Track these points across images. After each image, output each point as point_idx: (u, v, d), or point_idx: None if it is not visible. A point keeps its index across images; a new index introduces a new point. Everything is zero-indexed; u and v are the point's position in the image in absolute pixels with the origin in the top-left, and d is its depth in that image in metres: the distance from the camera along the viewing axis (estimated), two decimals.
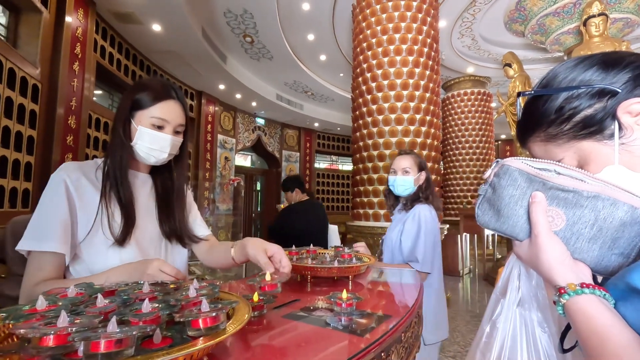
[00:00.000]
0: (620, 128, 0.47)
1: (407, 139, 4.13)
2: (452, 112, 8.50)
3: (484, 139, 8.30)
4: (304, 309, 0.79)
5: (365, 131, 4.34)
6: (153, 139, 0.91)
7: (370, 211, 4.17)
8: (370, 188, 4.14)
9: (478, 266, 6.72)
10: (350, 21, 5.31)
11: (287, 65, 7.61)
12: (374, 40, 4.30)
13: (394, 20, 4.21)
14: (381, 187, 4.16)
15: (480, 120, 8.30)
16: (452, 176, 8.45)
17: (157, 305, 0.51)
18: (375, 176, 4.22)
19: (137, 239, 0.91)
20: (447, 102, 8.61)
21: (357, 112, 4.49)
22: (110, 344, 0.39)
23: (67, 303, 0.52)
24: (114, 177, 0.90)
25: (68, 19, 4.11)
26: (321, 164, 12.02)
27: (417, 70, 4.18)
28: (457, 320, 3.80)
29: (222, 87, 7.75)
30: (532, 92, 0.54)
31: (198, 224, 1.13)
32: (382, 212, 4.11)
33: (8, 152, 3.31)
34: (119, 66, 5.48)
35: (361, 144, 4.39)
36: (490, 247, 7.41)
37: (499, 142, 13.04)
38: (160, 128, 0.92)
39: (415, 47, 4.19)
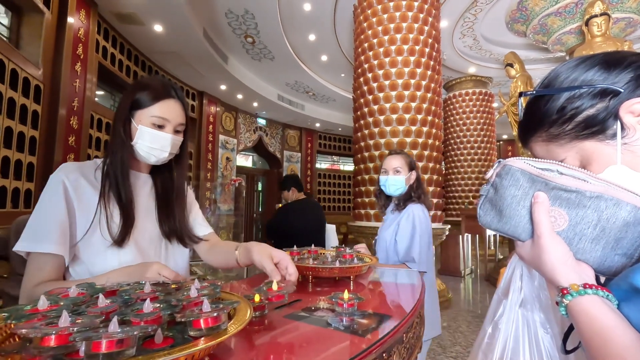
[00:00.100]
0: (622, 128, 0.47)
1: (408, 139, 4.13)
2: (454, 112, 8.49)
3: (485, 139, 8.29)
4: (306, 309, 0.79)
5: (366, 131, 4.34)
6: (154, 138, 0.91)
7: (372, 211, 4.16)
8: (372, 188, 4.14)
9: (480, 267, 6.70)
10: (351, 21, 5.32)
11: (289, 66, 7.62)
12: (375, 41, 4.30)
13: (395, 20, 4.21)
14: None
15: (481, 121, 8.28)
16: (453, 176, 8.44)
17: (158, 305, 0.51)
18: (376, 176, 4.19)
19: (136, 239, 0.91)
20: (449, 102, 8.60)
21: (359, 113, 4.49)
22: (112, 344, 0.39)
23: (68, 303, 0.52)
24: (114, 177, 0.89)
25: (70, 19, 4.12)
26: (322, 164, 12.02)
27: (418, 70, 4.17)
28: (458, 320, 3.79)
29: (223, 87, 7.76)
30: (534, 92, 0.54)
31: (199, 223, 1.12)
32: None
33: (10, 153, 3.32)
34: (120, 67, 5.49)
35: (362, 144, 4.39)
36: (492, 248, 7.39)
37: (501, 142, 13.02)
38: (160, 127, 0.92)
39: (417, 47, 4.19)
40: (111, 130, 0.93)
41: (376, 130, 4.24)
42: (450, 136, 8.50)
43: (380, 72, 4.23)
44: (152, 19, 5.05)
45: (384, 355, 0.63)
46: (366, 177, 4.29)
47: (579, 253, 0.47)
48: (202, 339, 0.45)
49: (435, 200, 4.27)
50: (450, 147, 8.49)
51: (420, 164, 4.15)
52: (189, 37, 5.53)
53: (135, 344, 0.41)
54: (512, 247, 0.64)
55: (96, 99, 4.93)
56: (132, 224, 0.89)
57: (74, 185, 0.85)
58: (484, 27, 6.31)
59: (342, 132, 11.82)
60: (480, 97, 8.35)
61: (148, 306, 0.49)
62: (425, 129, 4.18)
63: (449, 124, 8.53)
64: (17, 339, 0.49)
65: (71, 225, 0.82)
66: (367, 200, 4.23)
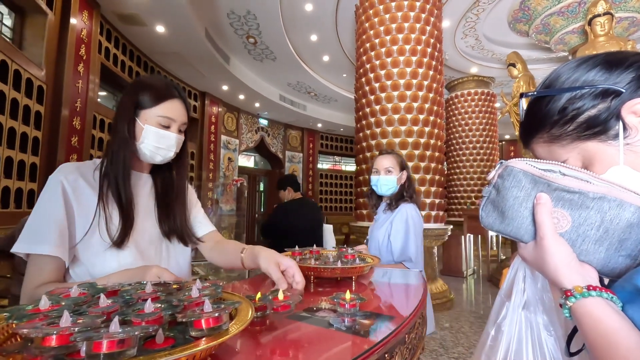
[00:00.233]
0: (624, 128, 0.47)
1: (410, 139, 4.12)
2: (456, 112, 8.47)
3: (487, 139, 8.27)
4: (307, 309, 0.79)
5: (368, 131, 4.33)
6: (160, 138, 0.91)
7: None
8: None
9: (482, 267, 6.68)
10: (353, 22, 5.31)
11: (290, 66, 7.63)
12: (377, 41, 4.29)
13: (397, 20, 4.20)
14: None
15: (484, 121, 8.26)
16: (455, 177, 8.42)
17: (159, 305, 0.51)
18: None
19: (136, 240, 0.90)
20: (451, 102, 8.58)
21: (361, 113, 4.49)
22: (113, 344, 0.39)
23: (69, 303, 0.51)
24: (114, 177, 0.88)
25: (73, 20, 4.14)
26: (324, 164, 12.02)
27: (420, 70, 4.17)
28: (461, 321, 3.78)
29: (225, 88, 7.78)
30: (535, 92, 0.54)
31: (200, 222, 1.11)
32: None
33: (13, 153, 3.34)
34: (123, 67, 5.51)
35: (364, 144, 4.39)
36: (495, 248, 7.37)
37: (503, 142, 12.98)
38: (166, 127, 0.92)
39: (419, 47, 4.18)
40: (112, 129, 0.92)
41: (378, 130, 4.23)
42: (452, 136, 8.48)
43: (382, 72, 4.23)
44: (154, 19, 5.06)
45: (386, 356, 0.62)
46: (368, 177, 4.29)
47: (582, 254, 0.47)
48: (204, 339, 0.45)
49: (437, 201, 4.26)
50: (452, 148, 8.47)
51: (422, 164, 4.14)
52: (191, 37, 5.54)
53: (136, 344, 0.41)
54: (515, 247, 0.64)
55: (98, 99, 4.95)
56: (132, 226, 0.88)
57: (72, 186, 0.84)
58: (486, 27, 6.29)
59: (344, 132, 11.82)
60: (483, 97, 8.33)
61: (149, 306, 0.48)
62: (427, 129, 4.18)
63: (451, 124, 8.51)
64: (18, 339, 0.49)
65: (70, 227, 0.82)
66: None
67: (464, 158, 8.31)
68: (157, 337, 0.45)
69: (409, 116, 4.13)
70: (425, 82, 4.18)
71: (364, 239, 1.98)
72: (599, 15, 4.59)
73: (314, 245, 1.38)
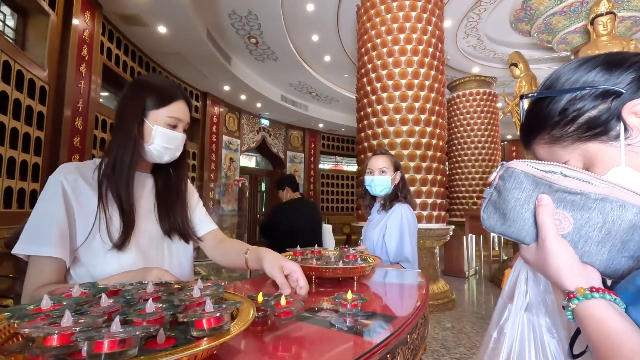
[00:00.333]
0: (625, 129, 0.46)
1: (412, 140, 4.12)
2: (458, 112, 8.45)
3: (489, 139, 8.25)
4: (309, 309, 0.79)
5: (370, 132, 4.33)
6: (169, 138, 0.92)
7: None
8: None
9: (484, 267, 6.67)
10: (354, 22, 5.31)
11: (292, 66, 7.63)
12: (378, 41, 4.29)
13: (398, 20, 4.20)
14: None
15: (485, 121, 8.25)
16: (457, 177, 8.40)
17: (160, 305, 0.51)
18: None
19: (137, 241, 0.89)
20: (453, 102, 8.57)
21: (362, 113, 4.48)
22: (114, 344, 0.39)
23: (71, 303, 0.51)
24: (119, 179, 0.87)
25: (75, 21, 4.15)
26: (326, 164, 12.02)
27: (422, 70, 4.16)
28: (462, 321, 3.77)
29: (227, 88, 7.79)
30: (535, 94, 0.54)
31: (202, 220, 1.11)
32: None
33: (16, 153, 3.35)
34: (125, 68, 5.52)
35: (366, 144, 4.38)
36: (497, 249, 7.35)
37: (505, 142, 12.95)
38: (173, 127, 0.93)
39: (420, 47, 4.18)
40: (117, 130, 0.91)
41: (379, 130, 4.23)
42: (454, 136, 8.46)
43: (384, 72, 4.23)
44: (156, 20, 5.08)
45: (388, 356, 0.62)
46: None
47: (584, 256, 0.47)
48: (205, 339, 0.45)
49: (438, 201, 4.25)
50: (454, 148, 8.45)
51: (423, 164, 4.13)
52: (192, 38, 5.55)
53: (137, 344, 0.41)
54: (517, 248, 0.64)
55: (100, 100, 4.97)
56: (132, 228, 0.88)
57: (72, 186, 0.84)
58: (488, 27, 6.28)
59: (346, 132, 11.82)
60: (484, 97, 8.31)
61: (150, 306, 0.48)
62: (428, 129, 4.17)
63: (453, 124, 8.50)
64: (20, 339, 0.49)
65: (70, 227, 0.81)
66: None
67: (466, 158, 8.29)
68: (158, 337, 0.45)
69: (410, 116, 4.12)
70: (427, 82, 4.17)
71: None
72: (601, 15, 4.57)
73: (314, 245, 1.38)
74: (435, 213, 4.19)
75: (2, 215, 3.20)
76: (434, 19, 4.30)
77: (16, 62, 3.32)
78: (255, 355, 0.57)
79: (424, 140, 4.14)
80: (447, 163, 7.19)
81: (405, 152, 4.11)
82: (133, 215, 0.89)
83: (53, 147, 3.90)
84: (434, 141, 4.21)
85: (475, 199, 7.96)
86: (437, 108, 4.25)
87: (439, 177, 4.25)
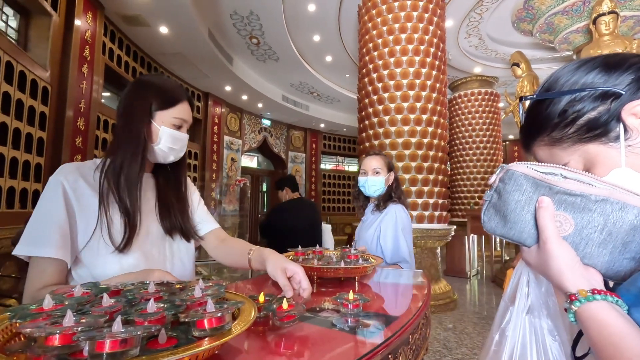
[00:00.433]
0: (625, 130, 0.46)
1: (413, 139, 4.11)
2: (459, 112, 8.44)
3: (491, 139, 8.23)
4: (310, 310, 0.78)
5: (371, 132, 4.33)
6: (175, 139, 0.93)
7: None
8: None
9: (486, 268, 6.65)
10: (356, 22, 5.31)
11: (293, 67, 7.63)
12: (380, 41, 4.29)
13: (400, 20, 4.20)
14: None
15: (487, 121, 8.23)
16: (459, 177, 8.39)
17: (162, 305, 0.51)
18: None
19: (139, 242, 0.89)
20: (454, 102, 8.55)
21: (363, 113, 4.48)
22: (115, 344, 0.39)
23: (73, 302, 0.52)
24: (127, 180, 0.87)
25: (77, 22, 4.17)
26: (327, 165, 12.02)
27: (423, 70, 4.15)
28: (464, 322, 3.76)
29: (228, 88, 7.80)
30: (534, 96, 0.54)
31: (204, 219, 1.11)
32: None
33: (19, 154, 3.36)
34: (126, 68, 5.54)
35: (367, 144, 4.38)
36: (498, 249, 7.33)
37: (507, 142, 12.92)
38: (179, 128, 0.94)
39: (422, 47, 4.17)
40: (123, 130, 0.89)
41: (381, 130, 4.23)
42: (455, 136, 8.45)
43: (385, 72, 4.22)
44: (158, 20, 5.09)
45: (390, 356, 0.62)
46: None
47: (586, 258, 0.46)
48: (206, 339, 0.45)
49: (440, 201, 4.24)
50: (455, 148, 8.44)
51: (425, 164, 4.13)
52: (194, 38, 5.56)
53: (138, 344, 0.41)
54: (519, 248, 0.64)
55: (102, 100, 4.98)
56: (135, 231, 0.87)
57: (73, 187, 0.83)
58: (489, 27, 6.27)
59: (347, 132, 11.81)
60: (486, 97, 8.30)
61: (152, 306, 0.48)
62: (430, 129, 4.16)
63: (455, 124, 8.48)
64: (22, 338, 0.49)
65: (71, 228, 0.81)
66: None
67: (467, 158, 8.27)
68: (159, 337, 0.45)
69: (412, 116, 4.12)
70: (428, 82, 4.17)
71: None
72: (603, 14, 4.55)
73: (313, 245, 1.37)
74: (436, 213, 4.18)
75: (5, 215, 3.21)
76: (435, 19, 4.30)
77: (19, 63, 3.34)
78: (256, 355, 0.57)
79: (425, 140, 4.13)
80: (448, 163, 7.19)
81: (407, 152, 4.11)
82: (137, 220, 0.88)
83: (55, 148, 3.91)
84: (435, 141, 4.20)
85: (477, 199, 7.94)
86: (438, 108, 4.25)
87: (440, 177, 4.24)
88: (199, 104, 7.80)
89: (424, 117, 4.14)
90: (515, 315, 0.62)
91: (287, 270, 0.83)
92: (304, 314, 0.74)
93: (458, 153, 8.42)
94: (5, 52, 3.17)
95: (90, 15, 4.42)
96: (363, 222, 1.82)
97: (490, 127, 8.25)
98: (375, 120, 4.28)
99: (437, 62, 4.27)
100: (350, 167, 12.43)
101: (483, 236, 6.34)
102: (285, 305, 0.66)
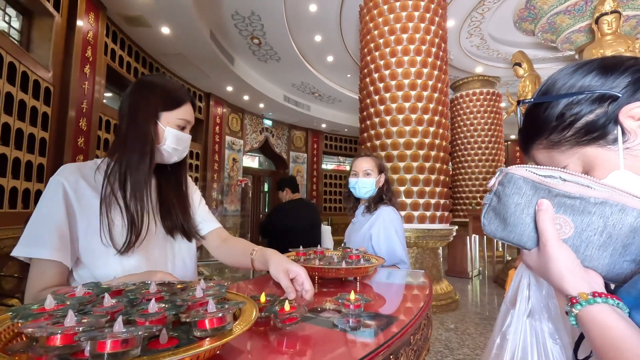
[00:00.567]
0: (623, 132, 0.47)
1: (415, 139, 4.11)
2: (461, 112, 8.43)
3: (493, 139, 8.21)
4: (312, 310, 0.78)
5: (372, 132, 4.32)
6: (179, 139, 0.93)
7: None
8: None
9: (488, 268, 6.64)
10: (357, 22, 5.31)
11: (295, 67, 7.64)
12: (381, 41, 4.29)
13: (401, 20, 4.19)
14: None
15: (489, 121, 8.21)
16: (460, 177, 8.38)
17: (163, 305, 0.51)
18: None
19: (140, 242, 0.88)
20: (456, 102, 8.54)
21: (365, 113, 4.48)
22: (117, 344, 0.39)
23: (74, 302, 0.52)
24: (134, 182, 0.86)
25: (79, 22, 4.18)
26: (328, 165, 12.02)
27: (425, 70, 4.15)
28: (466, 322, 3.75)
29: (230, 88, 7.81)
30: (532, 100, 0.54)
31: (205, 219, 1.11)
32: None
33: (21, 154, 3.38)
34: (128, 69, 5.56)
35: (369, 144, 4.38)
36: (500, 249, 7.31)
37: (509, 142, 12.89)
38: (182, 129, 0.94)
39: (423, 47, 4.17)
40: (129, 131, 0.89)
41: (382, 130, 4.22)
42: (457, 136, 8.43)
43: (387, 72, 4.22)
44: (159, 21, 5.10)
45: (391, 357, 0.62)
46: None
47: (586, 260, 0.46)
48: (207, 339, 0.45)
49: (442, 201, 4.24)
50: (457, 148, 8.43)
51: (426, 164, 4.12)
52: (195, 38, 5.57)
53: (140, 344, 0.41)
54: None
55: (104, 100, 5.00)
56: (139, 236, 0.86)
57: (74, 187, 0.83)
58: (491, 26, 6.25)
59: (348, 132, 11.81)
60: (488, 97, 8.28)
61: (153, 306, 0.48)
62: (432, 129, 4.16)
63: (456, 124, 8.47)
64: (24, 338, 0.49)
65: (72, 229, 0.80)
66: None
67: (469, 158, 8.26)
68: (160, 337, 0.45)
69: (413, 116, 4.12)
70: (430, 82, 4.16)
71: None
72: (606, 14, 4.53)
73: (312, 245, 1.37)
74: (438, 213, 4.18)
75: (7, 215, 3.22)
76: (437, 19, 4.29)
77: (21, 64, 3.35)
78: (257, 355, 0.57)
79: (427, 140, 4.13)
80: (450, 163, 7.18)
81: (408, 152, 4.10)
82: (143, 226, 0.87)
83: (57, 148, 3.93)
84: (437, 141, 4.19)
85: (478, 200, 7.93)
86: (440, 108, 4.24)
87: (442, 177, 4.23)
88: (200, 104, 7.82)
89: (426, 117, 4.13)
90: (516, 319, 0.62)
91: (289, 271, 0.83)
92: (305, 314, 0.74)
93: (460, 153, 8.41)
94: (8, 52, 3.19)
95: (92, 16, 4.44)
96: (353, 224, 1.80)
97: (492, 127, 8.23)
98: (376, 120, 4.28)
99: (438, 62, 4.26)
100: None
101: (485, 236, 6.33)
102: (287, 307, 0.66)
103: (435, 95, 4.19)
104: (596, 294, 0.43)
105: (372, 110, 4.34)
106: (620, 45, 4.49)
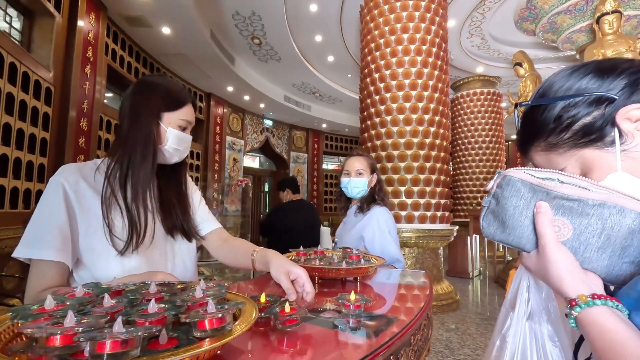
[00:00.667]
0: (620, 134, 0.47)
1: (415, 140, 4.10)
2: (462, 112, 8.42)
3: (494, 139, 8.21)
4: (312, 310, 0.78)
5: (373, 132, 4.32)
6: (181, 140, 0.93)
7: None
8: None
9: (488, 268, 6.63)
10: (358, 21, 5.31)
11: (295, 67, 7.64)
12: (382, 41, 4.28)
13: (402, 20, 4.19)
14: (390, 189, 4.13)
15: (490, 121, 8.21)
16: (461, 177, 8.37)
17: (163, 305, 0.51)
18: (383, 177, 4.19)
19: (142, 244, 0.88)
20: (457, 102, 8.53)
21: (365, 113, 4.48)
22: (116, 345, 0.39)
23: (74, 303, 0.52)
24: (136, 184, 0.86)
25: (80, 23, 4.19)
26: (329, 165, 12.01)
27: (425, 70, 4.15)
28: (467, 322, 3.75)
29: (230, 88, 7.81)
30: (529, 102, 0.55)
31: (205, 219, 1.11)
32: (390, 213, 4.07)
33: (22, 154, 3.38)
34: (129, 69, 5.56)
35: (369, 144, 4.37)
36: (501, 249, 7.30)
37: (510, 142, 12.88)
38: (184, 129, 0.94)
39: (424, 47, 4.17)
40: (131, 131, 0.88)
41: (383, 130, 4.22)
42: (458, 136, 8.43)
43: (387, 72, 4.22)
44: (160, 21, 5.10)
45: (392, 357, 0.62)
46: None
47: (585, 262, 0.46)
48: (207, 340, 0.45)
49: (442, 201, 4.23)
50: (458, 148, 8.42)
51: (427, 165, 4.12)
52: (196, 39, 5.57)
53: (139, 345, 0.41)
54: None
55: (105, 100, 5.00)
56: (139, 239, 0.86)
57: (74, 188, 0.83)
58: (492, 26, 6.25)
59: (349, 132, 11.81)
60: (489, 96, 8.27)
61: (153, 307, 0.48)
62: (432, 129, 4.15)
63: (457, 124, 8.47)
64: (23, 339, 0.49)
65: (72, 230, 0.80)
66: None
67: (470, 158, 8.25)
68: (160, 337, 0.45)
69: (414, 116, 4.11)
70: (431, 82, 4.16)
71: None
72: (607, 14, 4.52)
73: (310, 246, 1.37)
74: (439, 213, 4.17)
75: (8, 215, 3.22)
76: (437, 19, 4.29)
77: (22, 64, 3.35)
78: (257, 356, 0.57)
79: (427, 140, 4.13)
80: (451, 163, 7.18)
81: (409, 152, 4.10)
82: (143, 229, 0.87)
83: (58, 148, 3.93)
84: (437, 141, 4.19)
85: (479, 200, 7.92)
86: (440, 108, 4.24)
87: (442, 178, 4.23)
88: (201, 105, 7.82)
89: (426, 117, 4.13)
90: (516, 321, 0.62)
91: (290, 273, 0.83)
92: (305, 314, 0.74)
93: (460, 153, 8.40)
94: (9, 53, 3.19)
95: (93, 16, 4.44)
96: (345, 224, 1.79)
97: (493, 127, 8.22)
98: (377, 120, 4.28)
99: (439, 62, 4.26)
100: None
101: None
102: (287, 308, 0.66)
103: (436, 95, 4.19)
104: (595, 296, 0.43)
105: (372, 110, 4.34)
106: (621, 45, 4.48)
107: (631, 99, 0.46)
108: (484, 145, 8.16)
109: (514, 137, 12.59)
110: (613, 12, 4.49)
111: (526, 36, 6.26)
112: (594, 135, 0.48)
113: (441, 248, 4.41)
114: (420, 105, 4.11)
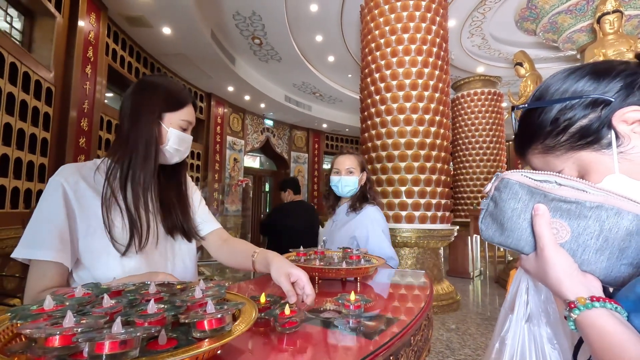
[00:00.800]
0: (617, 137, 0.47)
1: (416, 139, 4.10)
2: (462, 112, 8.42)
3: (494, 139, 8.20)
4: (312, 310, 0.78)
5: (373, 132, 4.32)
6: (182, 140, 0.93)
7: None
8: (379, 189, 4.11)
9: (489, 268, 6.62)
10: (358, 21, 5.31)
11: (296, 67, 7.64)
12: (382, 41, 4.28)
13: (402, 20, 4.19)
14: (390, 189, 4.13)
15: (490, 121, 8.20)
16: (462, 177, 8.36)
17: (162, 306, 0.51)
18: (384, 177, 4.19)
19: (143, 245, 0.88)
20: (457, 102, 8.53)
21: (366, 113, 4.47)
22: (115, 345, 0.39)
23: (73, 303, 0.52)
24: (137, 185, 0.86)
25: (81, 23, 4.19)
26: (329, 165, 12.00)
27: (426, 70, 4.14)
28: (467, 322, 3.74)
29: (231, 89, 7.81)
30: (526, 105, 0.55)
31: (205, 219, 1.11)
32: (390, 213, 4.08)
33: (23, 154, 3.38)
34: (129, 69, 5.56)
35: (370, 144, 4.37)
36: (502, 249, 7.30)
37: (510, 142, 12.86)
38: (184, 130, 0.95)
39: (424, 47, 4.16)
40: (132, 131, 0.88)
41: (383, 130, 4.22)
42: (458, 136, 8.42)
43: (388, 72, 4.21)
44: (161, 21, 5.11)
45: (392, 358, 0.61)
46: (373, 177, 4.27)
47: (584, 264, 0.46)
48: (206, 340, 0.45)
49: (443, 201, 4.23)
50: (458, 148, 8.42)
51: (428, 165, 4.12)
52: (196, 39, 5.57)
53: (138, 345, 0.40)
54: None
55: (106, 101, 5.00)
56: (140, 240, 0.86)
57: (74, 188, 0.82)
58: (492, 26, 6.24)
59: (349, 132, 11.81)
60: (489, 96, 8.27)
61: (152, 307, 0.48)
62: (433, 129, 4.15)
63: (457, 124, 8.46)
64: (22, 339, 0.49)
65: (72, 230, 0.80)
66: None
67: (470, 158, 8.25)
68: (159, 338, 0.45)
69: (414, 116, 4.11)
70: (431, 82, 4.16)
71: None
72: (608, 13, 4.51)
73: (312, 246, 1.37)
74: (439, 213, 4.17)
75: (9, 215, 3.23)
76: (438, 19, 4.29)
77: (23, 64, 3.36)
78: (257, 356, 0.57)
79: (428, 140, 4.12)
80: (451, 163, 7.17)
81: (409, 152, 4.09)
82: (148, 227, 0.87)
83: (59, 148, 3.93)
84: (438, 141, 4.19)
85: (480, 200, 7.92)
86: (441, 108, 4.23)
87: (443, 177, 4.23)
88: (201, 105, 7.82)
89: (427, 117, 4.13)
90: (515, 324, 0.62)
91: (291, 275, 0.82)
92: (305, 314, 0.74)
93: (461, 153, 8.40)
94: (10, 53, 3.19)
95: (93, 16, 4.45)
96: (334, 222, 1.77)
97: (494, 127, 8.22)
98: (377, 120, 4.28)
99: (439, 62, 4.25)
100: None
101: None
102: (287, 311, 0.66)
103: (437, 95, 4.18)
104: (594, 299, 0.43)
105: (373, 110, 4.33)
106: (622, 44, 4.47)
107: (627, 101, 0.46)
108: (484, 145, 8.16)
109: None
110: (614, 11, 4.48)
111: (527, 36, 6.26)
112: (591, 137, 0.48)
113: (442, 248, 4.41)
114: (421, 105, 4.11)
